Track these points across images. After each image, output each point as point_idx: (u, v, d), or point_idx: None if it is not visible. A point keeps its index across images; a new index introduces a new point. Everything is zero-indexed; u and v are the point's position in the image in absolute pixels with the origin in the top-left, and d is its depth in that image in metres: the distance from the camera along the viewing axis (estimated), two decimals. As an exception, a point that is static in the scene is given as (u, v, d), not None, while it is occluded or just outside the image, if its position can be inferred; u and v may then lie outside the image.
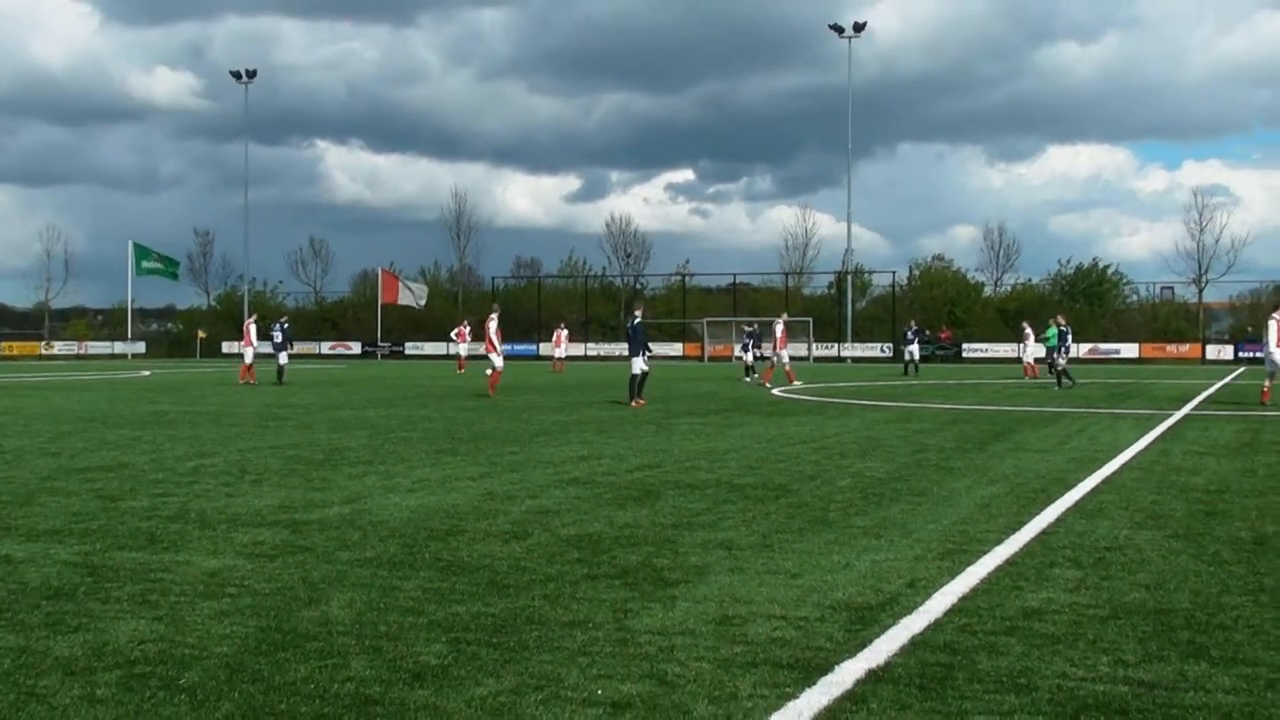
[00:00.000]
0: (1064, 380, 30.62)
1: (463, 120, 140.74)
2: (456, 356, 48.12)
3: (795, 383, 33.07)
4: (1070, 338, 32.22)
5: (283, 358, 34.55)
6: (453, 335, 49.03)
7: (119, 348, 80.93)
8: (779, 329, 33.97)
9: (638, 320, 24.19)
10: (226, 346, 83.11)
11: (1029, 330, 42.56)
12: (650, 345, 24.09)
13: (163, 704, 4.37)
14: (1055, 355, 31.71)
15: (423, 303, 79.90)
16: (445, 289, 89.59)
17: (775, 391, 28.97)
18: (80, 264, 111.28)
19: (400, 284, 79.47)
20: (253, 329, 35.68)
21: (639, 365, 23.22)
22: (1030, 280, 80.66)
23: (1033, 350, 41.47)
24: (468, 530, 8.16)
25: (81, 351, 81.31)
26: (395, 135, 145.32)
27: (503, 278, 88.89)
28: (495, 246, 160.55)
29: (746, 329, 40.70)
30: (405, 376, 41.53)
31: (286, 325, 35.80)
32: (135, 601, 5.99)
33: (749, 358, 38.08)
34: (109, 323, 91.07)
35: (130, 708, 4.33)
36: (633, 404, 22.46)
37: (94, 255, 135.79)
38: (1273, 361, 22.67)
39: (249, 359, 34.93)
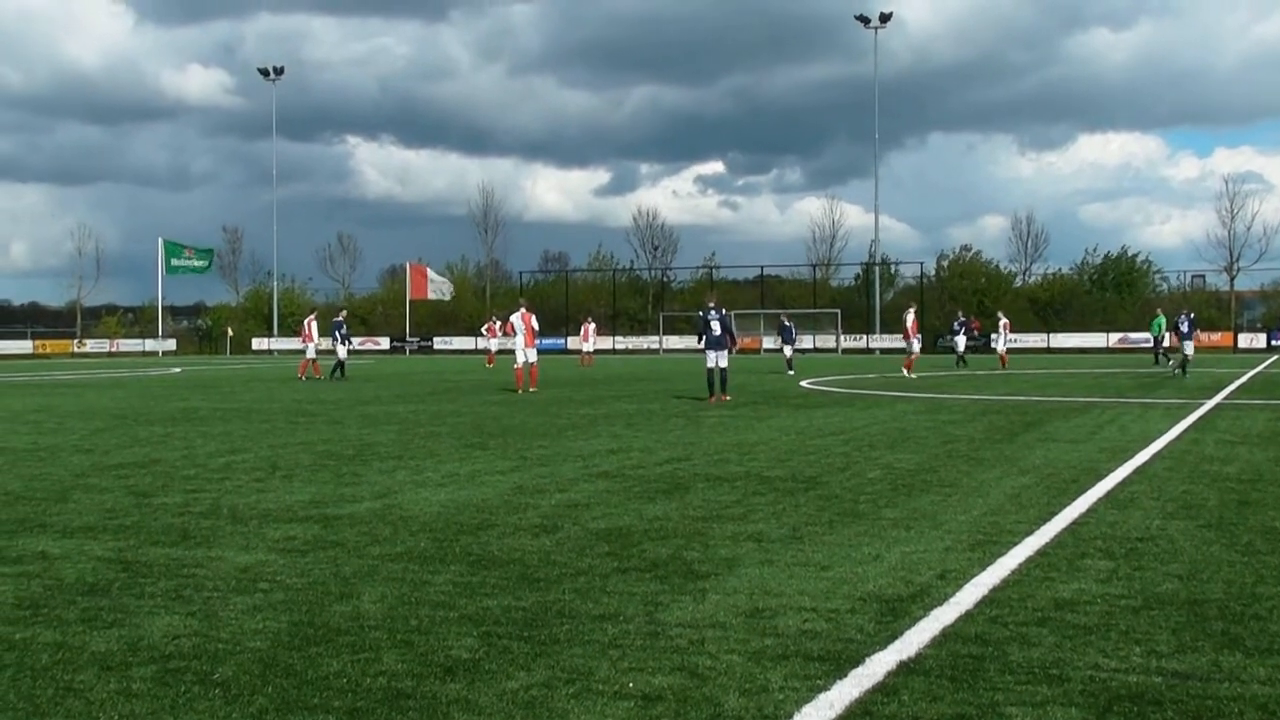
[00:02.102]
0: (1176, 371, 30.93)
1: (493, 115, 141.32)
2: (486, 351, 48.22)
3: (910, 374, 32.67)
4: (1192, 328, 32.04)
5: (342, 352, 34.78)
6: (483, 330, 49.12)
7: (150, 345, 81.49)
8: (910, 319, 34.12)
9: (723, 312, 23.00)
10: (256, 343, 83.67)
11: (1005, 320, 42.79)
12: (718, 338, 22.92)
13: (197, 698, 4.40)
14: (1164, 344, 32.05)
15: (449, 295, 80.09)
16: (473, 284, 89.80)
17: (804, 384, 28.91)
18: (111, 262, 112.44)
19: (428, 277, 79.69)
20: (314, 325, 35.93)
21: (723, 359, 22.19)
22: (1059, 270, 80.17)
23: (1006, 341, 41.88)
24: (498, 524, 8.18)
25: (113, 349, 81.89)
26: (426, 130, 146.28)
27: (530, 272, 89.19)
28: (524, 241, 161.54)
29: (786, 322, 40.59)
30: (434, 371, 41.66)
31: (342, 321, 35.80)
32: (169, 597, 6.04)
33: (789, 351, 38.01)
34: (140, 320, 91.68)
35: (165, 702, 4.36)
36: (712, 399, 21.51)
37: (125, 253, 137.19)
38: None
39: (310, 354, 35.25)
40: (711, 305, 23.01)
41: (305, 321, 36.99)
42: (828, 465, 11.52)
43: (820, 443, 13.81)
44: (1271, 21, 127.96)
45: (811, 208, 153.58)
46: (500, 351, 46.90)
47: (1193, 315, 31.68)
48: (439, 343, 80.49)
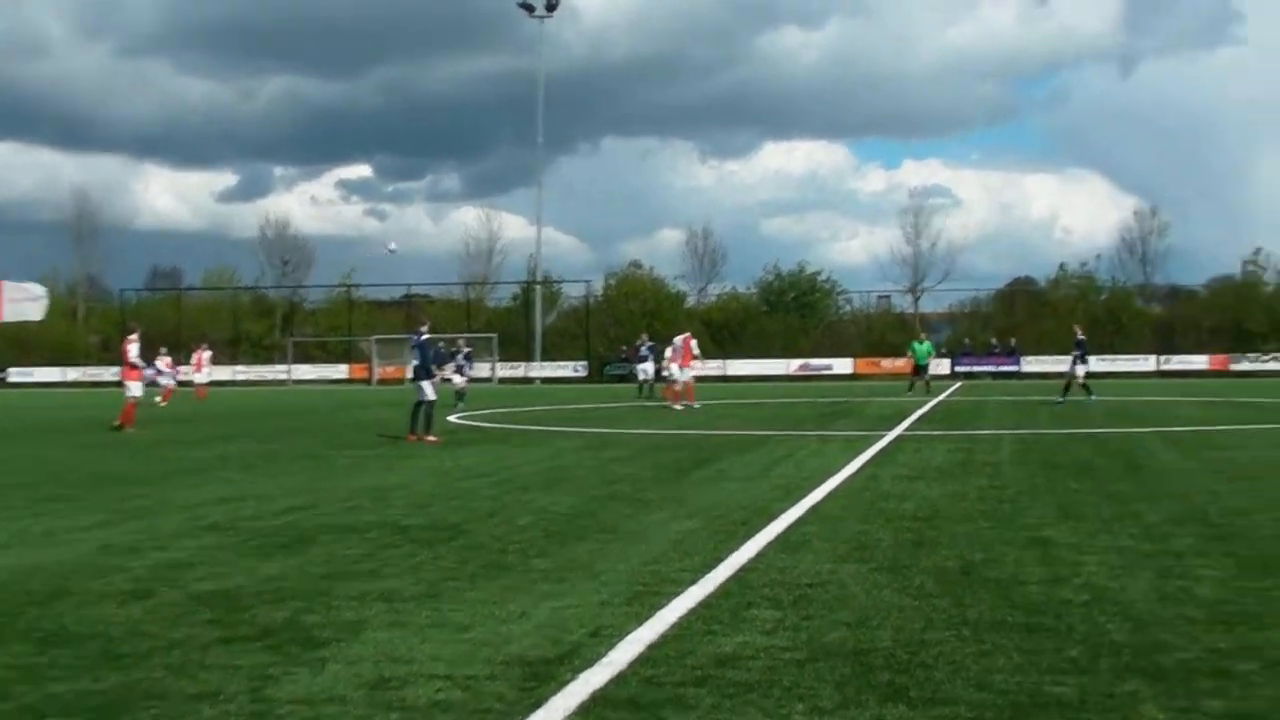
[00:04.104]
0: (1076, 393, 33.07)
1: (95, 104, 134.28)
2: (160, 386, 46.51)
3: (685, 404, 33.16)
4: (1086, 348, 34.31)
5: None
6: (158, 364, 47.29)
7: None
8: (692, 344, 34.67)
9: (424, 335, 22.73)
10: None
11: (679, 346, 35.98)
12: (436, 367, 22.95)
13: None
14: (1074, 367, 33.98)
15: (39, 315, 75.59)
16: (64, 303, 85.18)
17: (451, 418, 28.88)
18: None
19: (3, 294, 75.05)
20: None
21: (429, 391, 21.83)
22: (736, 289, 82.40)
23: (682, 372, 35.13)
24: (76, 591, 7.78)
25: None
26: (8, 119, 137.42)
27: (135, 289, 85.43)
28: (132, 252, 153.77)
29: (467, 348, 40.43)
30: (6, 409, 39.33)
31: None
32: None
33: (460, 380, 37.63)
34: None
35: None
36: (428, 438, 20.99)
37: None
38: None
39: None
40: (420, 327, 23.15)
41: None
42: (474, 511, 11.55)
43: (467, 485, 13.85)
44: (964, 26, 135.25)
45: (469, 218, 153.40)
46: (182, 383, 45.92)
47: (1079, 334, 34.29)
48: (16, 374, 75.98)
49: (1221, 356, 65.53)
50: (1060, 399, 32.99)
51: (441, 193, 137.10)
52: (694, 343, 35.10)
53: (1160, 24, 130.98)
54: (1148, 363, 64.98)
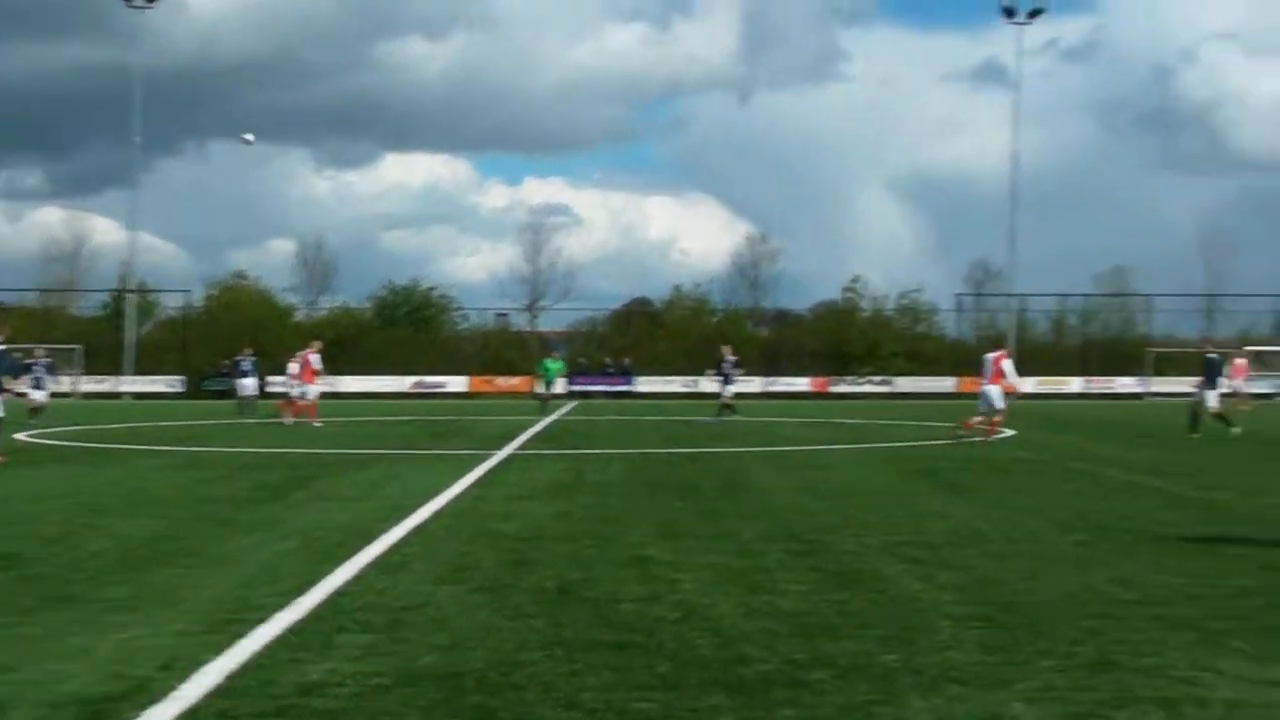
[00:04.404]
0: (724, 413, 33.74)
1: None
2: None
3: (303, 421, 32.55)
4: (733, 369, 35.13)
5: None
6: None
7: None
8: (312, 359, 33.98)
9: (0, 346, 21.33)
10: None
11: (304, 360, 35.07)
12: (10, 378, 21.53)
13: None
14: (724, 387, 34.63)
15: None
16: None
17: (20, 436, 27.29)
18: None
19: None
20: None
21: None
22: (349, 303, 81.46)
23: (309, 388, 34.34)
24: None
25: None
26: None
27: None
28: None
29: (46, 359, 38.02)
30: None
31: None
32: None
33: (40, 396, 35.24)
34: None
35: None
36: None
37: None
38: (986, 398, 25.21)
39: None
40: None
41: None
42: (37, 537, 10.93)
43: (32, 509, 13.17)
44: (588, 47, 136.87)
45: (54, 220, 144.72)
46: None
47: (728, 354, 35.18)
48: None
49: (822, 379, 69.25)
50: (733, 417, 34.14)
51: (21, 190, 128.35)
52: (315, 357, 34.46)
53: (774, 58, 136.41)
54: (754, 384, 67.68)
